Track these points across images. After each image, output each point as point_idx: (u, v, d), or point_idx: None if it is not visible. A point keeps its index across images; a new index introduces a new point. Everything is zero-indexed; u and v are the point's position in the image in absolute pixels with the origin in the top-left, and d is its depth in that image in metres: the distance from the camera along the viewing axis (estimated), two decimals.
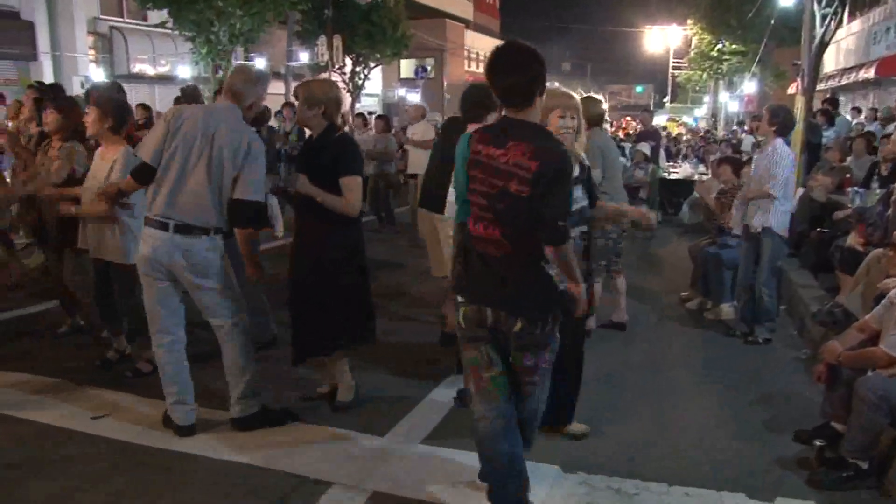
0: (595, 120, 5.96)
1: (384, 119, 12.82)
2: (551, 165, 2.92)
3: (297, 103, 4.50)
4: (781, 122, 5.97)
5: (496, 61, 3.04)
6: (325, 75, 24.39)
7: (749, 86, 32.58)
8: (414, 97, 35.01)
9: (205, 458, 3.93)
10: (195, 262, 3.99)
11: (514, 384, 3.25)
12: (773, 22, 24.85)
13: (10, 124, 9.00)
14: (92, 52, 22.17)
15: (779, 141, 5.97)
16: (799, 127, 10.00)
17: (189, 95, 7.68)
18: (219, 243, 4.06)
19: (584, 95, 6.32)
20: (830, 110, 12.95)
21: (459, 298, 3.24)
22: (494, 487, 3.31)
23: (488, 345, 3.19)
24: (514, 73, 3.00)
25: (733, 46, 32.49)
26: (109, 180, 4.77)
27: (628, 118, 40.66)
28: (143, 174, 3.98)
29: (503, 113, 3.15)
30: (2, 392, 4.82)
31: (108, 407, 4.57)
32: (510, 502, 3.30)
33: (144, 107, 10.78)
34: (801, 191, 9.06)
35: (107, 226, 4.90)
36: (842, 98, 20.96)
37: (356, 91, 28.40)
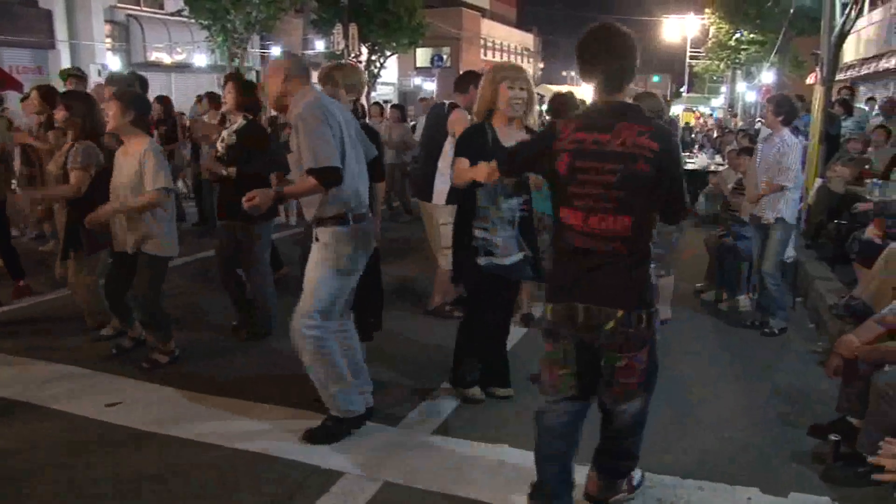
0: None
1: (399, 109, 12.91)
2: (671, 145, 2.92)
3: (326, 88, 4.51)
4: (787, 111, 5.94)
5: (600, 43, 2.97)
6: (342, 62, 24.37)
7: (767, 76, 32.17)
8: (430, 86, 34.95)
9: (216, 447, 3.95)
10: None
11: (604, 385, 3.10)
12: (791, 11, 24.54)
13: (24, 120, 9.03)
14: (109, 40, 22.26)
15: (786, 131, 5.94)
16: (817, 117, 9.88)
17: (121, 81, 7.62)
18: None
19: (644, 91, 6.79)
20: (848, 100, 12.78)
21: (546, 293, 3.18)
22: (540, 490, 3.26)
23: (569, 343, 3.07)
24: (619, 56, 2.96)
25: (751, 36, 32.12)
26: (146, 175, 4.78)
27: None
28: (336, 178, 3.73)
29: (595, 99, 3.07)
30: (17, 380, 4.86)
31: (122, 395, 4.60)
32: None
33: (163, 100, 10.71)
34: (819, 182, 8.96)
35: (149, 221, 4.88)
36: (861, 88, 20.69)
37: (372, 80, 28.38)
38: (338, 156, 3.73)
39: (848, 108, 12.37)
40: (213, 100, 10.09)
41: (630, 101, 3.14)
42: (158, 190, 4.81)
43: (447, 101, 6.31)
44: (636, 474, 3.49)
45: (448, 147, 6.02)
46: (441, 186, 6.07)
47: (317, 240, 3.93)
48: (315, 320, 3.88)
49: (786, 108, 5.95)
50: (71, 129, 5.40)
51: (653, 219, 3.01)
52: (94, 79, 16.72)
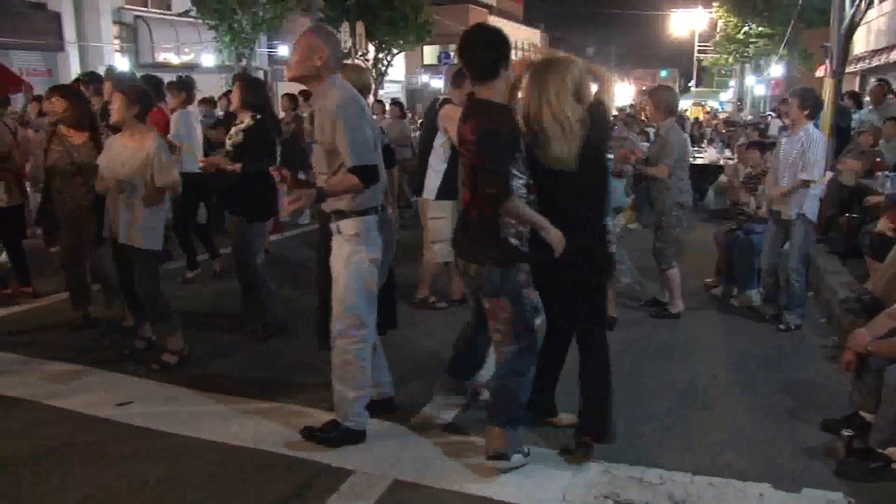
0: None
1: (399, 105, 12.91)
2: (480, 136, 3.39)
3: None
4: (812, 105, 5.88)
5: (464, 41, 3.49)
6: (348, 62, 24.35)
7: (776, 69, 31.99)
8: (437, 83, 34.93)
9: (225, 445, 3.95)
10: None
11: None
12: (800, 3, 24.39)
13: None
14: (117, 41, 22.30)
15: (810, 125, 5.87)
16: (827, 110, 9.81)
17: (185, 85, 7.75)
18: None
19: (661, 85, 6.83)
20: (859, 93, 12.68)
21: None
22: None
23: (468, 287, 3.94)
24: (482, 49, 3.47)
25: (760, 29, 31.91)
26: (157, 169, 4.84)
27: None
28: (375, 176, 3.72)
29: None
30: (28, 379, 4.89)
31: (133, 394, 4.62)
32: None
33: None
34: (829, 175, 8.90)
35: (140, 213, 4.92)
36: (872, 80, 20.53)
37: (379, 78, 28.35)
38: (374, 153, 3.72)
39: (858, 100, 12.27)
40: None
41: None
42: (174, 179, 4.94)
43: (441, 97, 6.35)
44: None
45: (438, 143, 6.02)
46: (432, 182, 6.10)
47: (338, 232, 3.85)
48: (357, 320, 3.82)
49: (811, 101, 5.90)
50: (73, 119, 5.44)
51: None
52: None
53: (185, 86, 7.68)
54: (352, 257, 3.79)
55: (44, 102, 8.42)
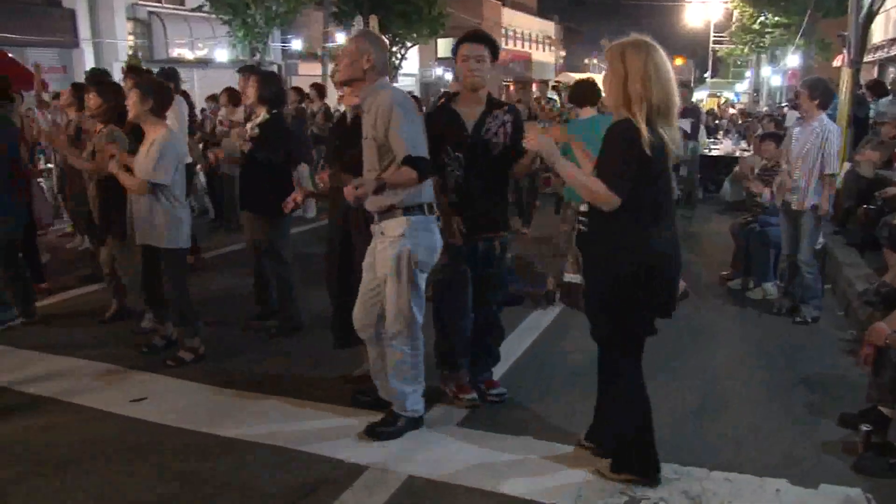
0: None
1: (417, 100, 12.83)
2: None
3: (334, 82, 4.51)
4: (822, 94, 5.79)
5: None
6: None
7: (792, 59, 31.67)
8: (451, 77, 34.90)
9: (238, 441, 3.96)
10: None
11: None
12: None
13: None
14: (131, 37, 22.42)
15: (824, 116, 5.80)
16: (844, 100, 9.70)
17: (171, 75, 7.81)
18: None
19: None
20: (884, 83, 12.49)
21: None
22: None
23: None
24: None
25: (776, 19, 31.60)
26: (146, 162, 4.81)
27: None
28: (429, 170, 3.77)
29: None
30: (44, 376, 4.92)
31: (148, 391, 4.64)
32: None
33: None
34: (847, 166, 8.81)
35: (152, 211, 4.92)
36: (891, 69, 20.30)
37: (393, 71, 28.33)
38: (426, 148, 3.76)
39: (879, 90, 12.09)
40: (231, 97, 10.05)
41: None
42: (144, 182, 4.83)
43: (442, 91, 6.33)
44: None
45: None
46: None
47: (382, 234, 3.83)
48: (409, 321, 3.85)
49: (820, 90, 5.80)
50: (101, 115, 5.44)
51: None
52: (118, 77, 16.80)
53: (170, 76, 7.76)
54: (399, 261, 3.78)
55: (62, 98, 8.46)
